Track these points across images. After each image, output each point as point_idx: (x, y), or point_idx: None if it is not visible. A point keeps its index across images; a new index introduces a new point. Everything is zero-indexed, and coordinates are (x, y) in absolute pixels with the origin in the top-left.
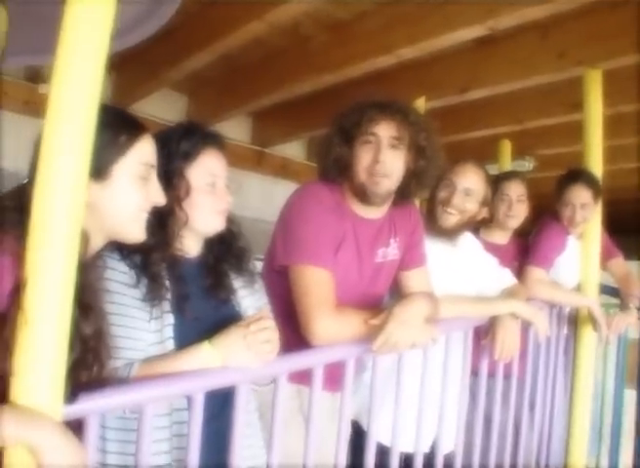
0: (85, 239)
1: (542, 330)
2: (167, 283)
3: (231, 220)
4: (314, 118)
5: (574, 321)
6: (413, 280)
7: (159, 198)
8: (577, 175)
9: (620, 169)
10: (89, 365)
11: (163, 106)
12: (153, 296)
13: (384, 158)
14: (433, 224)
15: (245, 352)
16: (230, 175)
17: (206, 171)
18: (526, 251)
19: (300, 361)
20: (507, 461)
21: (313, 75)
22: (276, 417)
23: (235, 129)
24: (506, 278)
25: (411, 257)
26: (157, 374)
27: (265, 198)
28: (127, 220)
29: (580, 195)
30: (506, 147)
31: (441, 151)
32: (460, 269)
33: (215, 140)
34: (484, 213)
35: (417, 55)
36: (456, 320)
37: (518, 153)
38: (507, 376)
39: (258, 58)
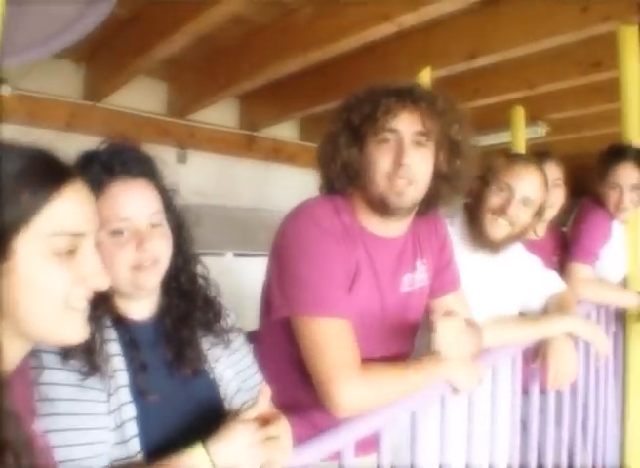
0: None
1: (603, 350)
2: (120, 360)
3: (192, 261)
4: (306, 95)
5: (621, 316)
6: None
7: (98, 279)
8: (623, 151)
9: None
10: None
11: (141, 96)
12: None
13: (409, 160)
14: (478, 235)
15: (249, 462)
16: None
17: (107, 214)
18: (565, 243)
19: (324, 446)
20: None
21: (301, 51)
22: None
23: (222, 113)
24: (553, 282)
25: (443, 282)
26: None
27: (258, 185)
28: (50, 318)
29: (630, 175)
30: (519, 114)
31: (476, 148)
32: (503, 281)
33: (120, 172)
34: (536, 224)
35: (419, 21)
36: (502, 347)
37: (529, 118)
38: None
39: (238, 36)
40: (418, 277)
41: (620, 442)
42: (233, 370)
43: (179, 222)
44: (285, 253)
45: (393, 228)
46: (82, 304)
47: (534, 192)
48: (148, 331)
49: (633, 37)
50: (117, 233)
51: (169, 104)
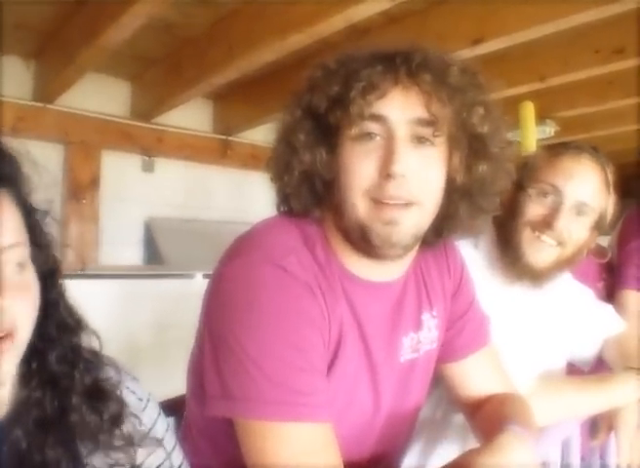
0: None
1: None
2: None
3: (70, 328)
4: (287, 93)
5: None
6: (475, 376)
7: None
8: None
9: None
10: None
11: (101, 97)
12: None
13: (404, 166)
14: (514, 260)
15: None
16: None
17: None
18: (610, 264)
19: None
20: None
21: (274, 36)
22: None
23: (193, 116)
24: (610, 322)
25: (463, 338)
26: None
27: (234, 196)
28: None
29: None
30: (529, 109)
31: (512, 145)
32: (548, 324)
33: None
34: (593, 242)
35: None
36: (554, 428)
37: (537, 117)
38: None
39: (205, 23)
40: (425, 337)
41: None
42: None
43: (51, 267)
44: (225, 314)
45: (387, 270)
46: None
47: (591, 195)
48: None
49: None
50: None
51: (133, 106)
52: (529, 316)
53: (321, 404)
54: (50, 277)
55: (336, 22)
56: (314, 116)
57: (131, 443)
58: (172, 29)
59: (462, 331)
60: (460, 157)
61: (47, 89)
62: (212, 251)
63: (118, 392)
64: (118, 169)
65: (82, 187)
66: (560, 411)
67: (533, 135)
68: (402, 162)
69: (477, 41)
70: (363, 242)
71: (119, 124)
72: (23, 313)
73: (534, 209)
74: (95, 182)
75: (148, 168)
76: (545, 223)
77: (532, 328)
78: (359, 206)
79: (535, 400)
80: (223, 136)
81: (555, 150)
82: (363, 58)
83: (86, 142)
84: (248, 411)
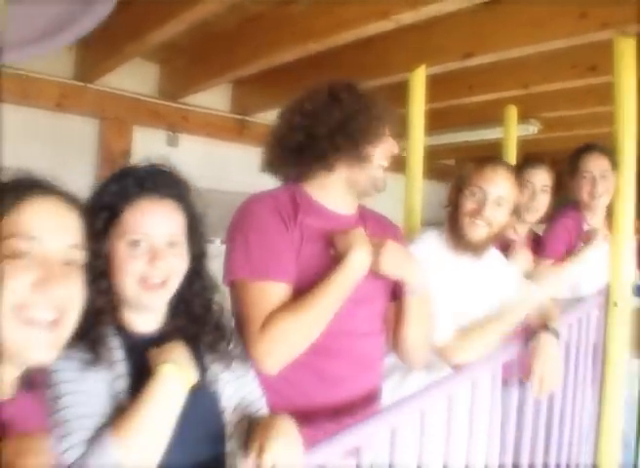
0: None
1: None
2: (122, 365)
3: (209, 289)
4: (299, 82)
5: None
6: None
7: (50, 283)
8: (590, 146)
9: None
10: None
11: (133, 78)
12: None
13: None
14: (460, 238)
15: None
16: None
17: (129, 225)
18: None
19: None
20: None
21: (297, 43)
22: None
23: (214, 97)
24: (535, 295)
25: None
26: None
27: (250, 170)
28: (7, 332)
29: (598, 163)
30: (512, 112)
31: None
32: (486, 287)
33: (150, 190)
34: (514, 223)
35: (418, 19)
36: (481, 362)
37: (522, 116)
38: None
39: (234, 23)
40: None
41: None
42: (233, 386)
43: (201, 250)
44: (233, 225)
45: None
46: (42, 314)
47: (505, 191)
48: (151, 343)
49: (630, 48)
50: (134, 245)
51: (160, 87)
52: (473, 278)
53: (287, 271)
54: (200, 258)
55: (348, 36)
56: None
57: (231, 355)
58: (203, 25)
59: None
60: None
61: (88, 70)
62: (228, 219)
63: (230, 328)
64: (146, 143)
65: (115, 158)
66: (479, 346)
67: (514, 134)
68: None
69: (468, 55)
70: None
71: (149, 103)
72: (173, 271)
73: (469, 204)
74: (126, 154)
75: (173, 143)
76: (477, 212)
77: (474, 287)
78: None
79: (464, 339)
80: (240, 117)
81: (481, 164)
82: None
83: (120, 118)
84: (234, 272)
